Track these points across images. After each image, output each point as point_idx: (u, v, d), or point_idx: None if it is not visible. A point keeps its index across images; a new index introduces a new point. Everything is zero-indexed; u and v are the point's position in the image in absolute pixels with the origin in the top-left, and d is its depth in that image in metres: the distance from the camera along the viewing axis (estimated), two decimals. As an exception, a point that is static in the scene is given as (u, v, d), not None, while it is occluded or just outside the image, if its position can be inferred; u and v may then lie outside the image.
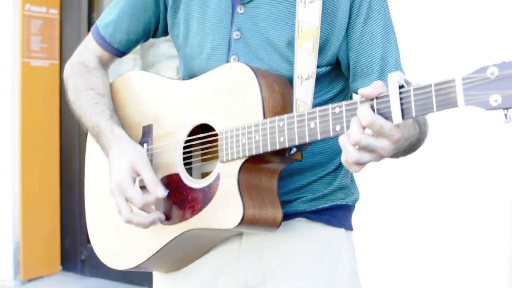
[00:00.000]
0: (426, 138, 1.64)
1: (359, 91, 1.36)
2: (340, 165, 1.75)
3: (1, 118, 5.00)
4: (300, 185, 1.71)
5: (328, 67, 1.68)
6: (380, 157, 1.36)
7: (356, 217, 1.84)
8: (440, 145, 3.29)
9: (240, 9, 1.67)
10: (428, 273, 3.41)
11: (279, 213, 1.60)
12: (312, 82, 1.58)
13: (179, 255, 1.74)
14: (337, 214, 1.76)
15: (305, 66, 1.58)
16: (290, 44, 1.65)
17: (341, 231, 1.76)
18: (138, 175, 1.64)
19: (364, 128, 1.33)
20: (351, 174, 1.83)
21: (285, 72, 1.65)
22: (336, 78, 1.72)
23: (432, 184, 3.39)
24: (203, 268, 1.75)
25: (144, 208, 1.62)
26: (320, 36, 1.61)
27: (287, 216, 1.69)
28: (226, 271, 1.73)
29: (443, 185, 3.36)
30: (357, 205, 1.85)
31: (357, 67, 1.67)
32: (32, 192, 5.06)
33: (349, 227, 1.79)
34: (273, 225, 1.60)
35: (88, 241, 5.27)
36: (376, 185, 3.46)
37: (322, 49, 1.64)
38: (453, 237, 3.34)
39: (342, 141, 1.36)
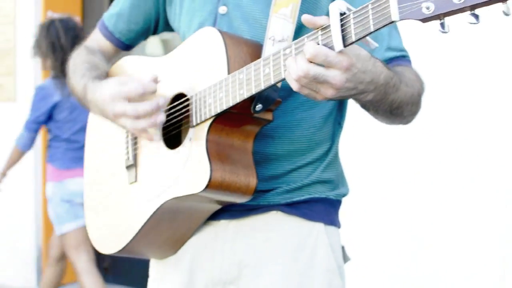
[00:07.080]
0: (420, 98, 1.56)
1: (302, 16, 1.35)
2: (323, 157, 1.68)
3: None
4: (276, 174, 1.64)
5: None
6: (335, 89, 1.32)
7: (350, 214, 1.76)
8: (436, 140, 3.28)
9: None
10: (421, 269, 3.35)
11: (253, 179, 1.53)
12: (286, 44, 1.50)
13: (164, 235, 1.69)
14: (315, 208, 1.68)
15: (279, 30, 1.53)
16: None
17: (319, 225, 1.68)
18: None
19: (310, 62, 1.31)
20: (340, 168, 1.75)
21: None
22: None
23: (427, 182, 3.34)
24: (182, 261, 1.72)
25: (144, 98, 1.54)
26: (301, 9, 1.54)
27: (262, 209, 1.64)
28: (202, 265, 1.69)
29: (436, 182, 3.31)
30: (349, 201, 1.76)
31: None
32: (55, 199, 5.06)
33: (330, 222, 1.70)
34: (246, 192, 1.53)
35: (111, 249, 5.34)
36: (370, 181, 3.44)
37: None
38: (445, 235, 3.29)
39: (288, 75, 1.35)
